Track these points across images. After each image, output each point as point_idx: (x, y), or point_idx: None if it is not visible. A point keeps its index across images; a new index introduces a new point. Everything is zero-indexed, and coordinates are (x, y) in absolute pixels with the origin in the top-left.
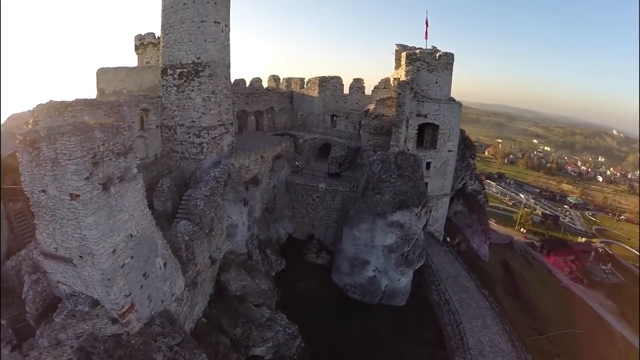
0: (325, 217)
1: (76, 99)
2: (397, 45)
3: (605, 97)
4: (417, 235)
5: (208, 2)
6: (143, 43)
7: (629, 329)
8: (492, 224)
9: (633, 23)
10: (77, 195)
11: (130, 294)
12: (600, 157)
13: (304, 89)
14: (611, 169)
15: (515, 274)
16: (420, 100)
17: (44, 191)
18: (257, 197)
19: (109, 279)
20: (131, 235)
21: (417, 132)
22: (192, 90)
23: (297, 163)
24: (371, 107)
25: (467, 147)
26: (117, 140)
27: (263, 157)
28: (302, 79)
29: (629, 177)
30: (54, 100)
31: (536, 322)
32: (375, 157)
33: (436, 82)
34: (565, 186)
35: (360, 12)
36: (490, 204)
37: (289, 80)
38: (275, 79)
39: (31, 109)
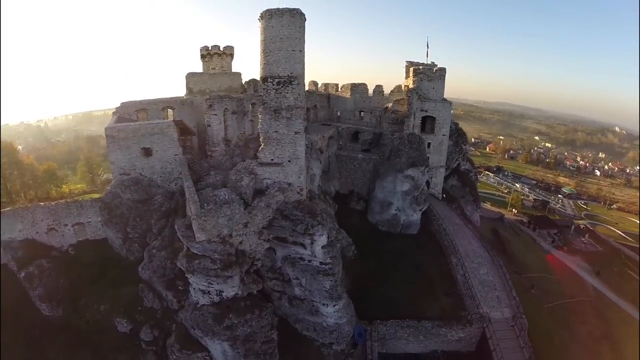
0: (362, 177)
1: (223, 94)
2: (407, 61)
3: (610, 95)
4: (422, 185)
5: (296, 38)
6: (209, 53)
7: (602, 284)
8: (487, 206)
9: (634, 21)
10: (299, 132)
11: (304, 180)
12: (600, 154)
13: (338, 92)
14: (609, 163)
15: (503, 238)
16: (422, 100)
17: (276, 131)
18: (321, 162)
19: (301, 171)
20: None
21: (421, 122)
22: (288, 92)
23: (341, 143)
24: (389, 105)
25: (460, 136)
26: (303, 112)
27: (324, 136)
28: (336, 84)
29: (627, 171)
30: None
31: (517, 269)
32: (394, 136)
33: (433, 88)
34: (562, 179)
35: (378, 28)
36: (487, 191)
37: (326, 85)
38: (314, 83)
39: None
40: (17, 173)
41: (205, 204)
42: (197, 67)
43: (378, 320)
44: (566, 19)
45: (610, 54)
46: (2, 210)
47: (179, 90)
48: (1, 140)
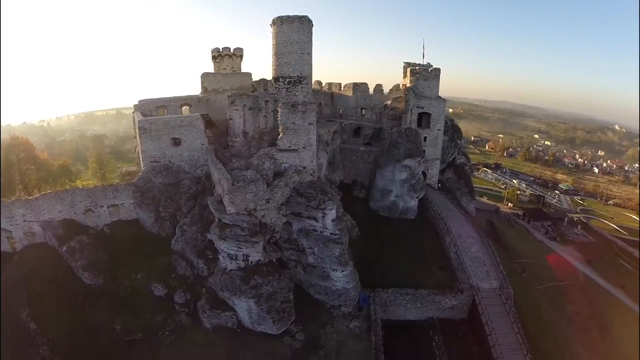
0: (364, 168)
1: (242, 92)
2: (405, 62)
3: (610, 93)
4: (419, 174)
5: (305, 42)
6: (220, 54)
7: (592, 272)
8: (483, 200)
9: (634, 20)
10: (312, 123)
11: (316, 164)
12: (600, 151)
13: (341, 91)
14: (608, 161)
15: (497, 228)
16: (419, 98)
17: (293, 123)
18: (327, 153)
19: (314, 156)
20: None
21: (417, 117)
22: (297, 91)
23: (344, 137)
24: (389, 102)
25: (455, 131)
26: (313, 108)
27: (329, 130)
28: (339, 84)
29: (625, 169)
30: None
31: (510, 255)
32: (393, 130)
33: (429, 87)
34: (560, 176)
35: (378, 31)
36: (484, 186)
37: (330, 84)
38: (319, 82)
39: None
40: (34, 168)
41: (235, 182)
42: (197, 67)
43: (380, 288)
44: (566, 17)
45: (610, 53)
46: (43, 193)
47: (176, 89)
48: (11, 137)
